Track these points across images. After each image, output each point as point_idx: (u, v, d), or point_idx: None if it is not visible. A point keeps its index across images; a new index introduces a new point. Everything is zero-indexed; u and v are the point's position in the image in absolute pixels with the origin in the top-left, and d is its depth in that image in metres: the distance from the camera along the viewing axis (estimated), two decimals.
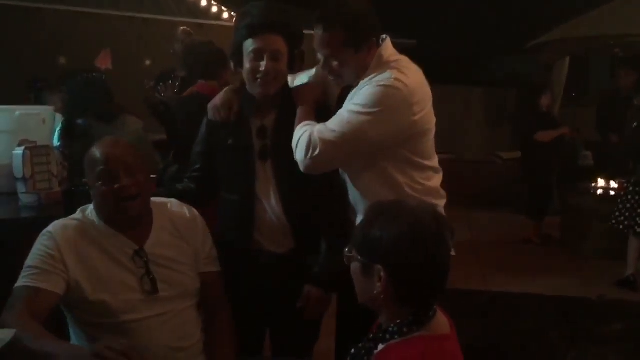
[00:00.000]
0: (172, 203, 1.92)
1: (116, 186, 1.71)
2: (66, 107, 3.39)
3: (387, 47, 1.94)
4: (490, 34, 6.86)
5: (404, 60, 1.93)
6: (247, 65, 1.92)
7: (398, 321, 1.37)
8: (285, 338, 2.11)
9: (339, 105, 1.94)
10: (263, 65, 1.89)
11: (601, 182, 5.28)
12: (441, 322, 1.41)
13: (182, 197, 2.02)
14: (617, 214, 4.34)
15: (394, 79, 1.81)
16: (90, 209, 1.81)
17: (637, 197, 4.27)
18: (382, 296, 1.34)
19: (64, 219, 1.80)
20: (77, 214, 1.81)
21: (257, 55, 1.90)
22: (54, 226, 1.74)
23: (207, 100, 2.12)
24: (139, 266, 1.74)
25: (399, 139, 1.87)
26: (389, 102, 1.81)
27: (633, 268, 4.36)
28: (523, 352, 3.11)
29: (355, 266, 1.40)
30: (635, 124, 4.27)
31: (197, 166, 2.12)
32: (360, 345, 1.45)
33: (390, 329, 1.37)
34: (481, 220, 6.13)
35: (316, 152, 1.81)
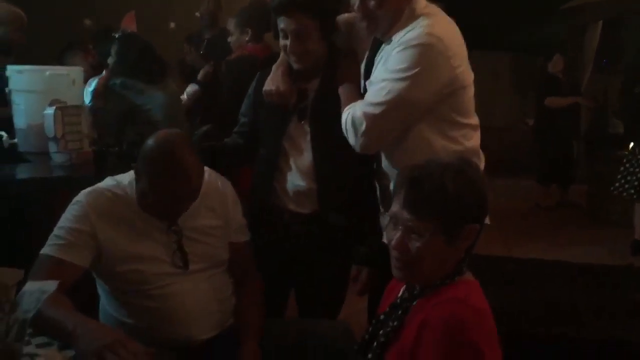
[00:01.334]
0: (208, 173, 1.86)
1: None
2: (116, 68, 3.36)
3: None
4: None
5: (437, 12, 1.85)
6: (280, 40, 1.96)
7: (442, 275, 1.37)
8: (312, 299, 2.13)
9: (369, 63, 1.91)
10: (289, 44, 1.92)
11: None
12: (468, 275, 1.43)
13: (230, 151, 2.10)
14: (622, 181, 4.34)
15: (426, 34, 1.74)
16: (127, 180, 1.77)
17: (638, 164, 4.26)
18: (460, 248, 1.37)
19: (97, 186, 1.76)
20: (111, 184, 1.77)
21: (284, 34, 1.92)
22: (86, 195, 1.71)
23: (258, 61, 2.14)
24: (171, 240, 1.75)
25: (443, 96, 1.80)
26: (426, 61, 1.73)
27: (637, 233, 4.36)
28: (550, 318, 3.11)
29: (434, 241, 1.34)
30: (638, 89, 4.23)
31: (245, 120, 2.16)
32: (398, 309, 1.43)
33: (433, 283, 1.37)
34: (506, 187, 6.09)
35: (362, 129, 1.76)
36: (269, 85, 2.01)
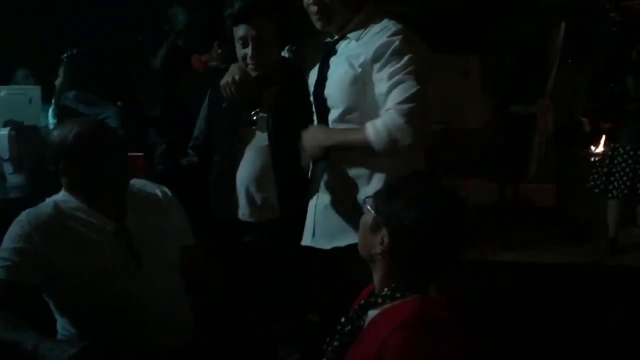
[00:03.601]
0: (139, 182, 1.91)
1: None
2: (65, 84, 3.34)
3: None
4: None
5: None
6: (237, 50, 1.98)
7: (393, 285, 1.37)
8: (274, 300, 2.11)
9: (326, 61, 1.89)
10: (249, 52, 1.93)
11: (599, 149, 5.25)
12: (432, 290, 1.42)
13: (187, 171, 2.11)
14: (596, 176, 4.39)
15: (397, 23, 1.78)
16: (60, 195, 1.77)
17: (614, 162, 4.30)
18: (379, 257, 1.38)
19: (38, 206, 1.75)
20: (52, 199, 1.77)
21: (244, 41, 1.93)
22: (26, 214, 1.70)
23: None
24: (121, 242, 1.73)
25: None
26: (413, 40, 1.77)
27: (612, 231, 4.40)
28: (522, 320, 3.13)
29: (366, 217, 1.42)
30: (612, 85, 4.29)
31: (199, 134, 2.17)
32: (351, 313, 1.45)
33: (384, 293, 1.38)
34: (478, 188, 6.12)
35: (409, 128, 1.67)
36: (226, 78, 2.02)
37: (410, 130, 1.66)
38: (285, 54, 2.20)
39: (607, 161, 4.39)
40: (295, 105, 1.97)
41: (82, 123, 1.76)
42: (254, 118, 2.01)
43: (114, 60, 3.60)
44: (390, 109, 1.69)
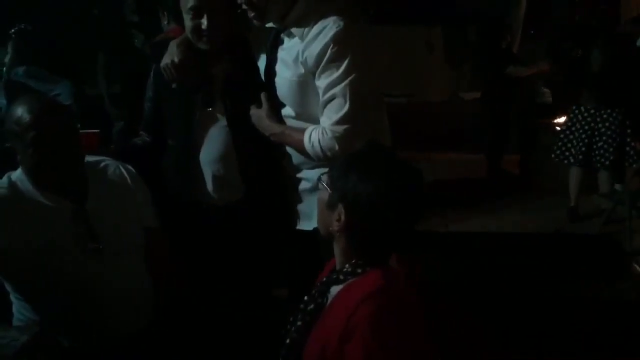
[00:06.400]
0: (105, 160, 1.85)
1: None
2: (15, 59, 3.22)
3: None
4: None
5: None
6: (188, 23, 1.85)
7: (353, 261, 1.36)
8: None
9: (273, 51, 1.85)
10: (204, 23, 1.81)
11: (560, 119, 5.31)
12: (393, 261, 1.42)
13: (141, 151, 2.01)
14: (560, 144, 4.45)
15: (337, 19, 1.72)
16: (19, 172, 1.70)
17: (574, 126, 4.38)
18: (337, 234, 1.37)
19: None
20: (4, 180, 1.71)
21: (196, 12, 1.81)
22: None
23: None
24: (78, 224, 1.67)
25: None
26: (352, 40, 1.72)
27: (573, 200, 4.49)
28: (486, 290, 3.17)
29: (322, 195, 1.41)
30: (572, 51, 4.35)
31: (148, 112, 2.07)
32: (313, 291, 1.43)
33: (345, 269, 1.36)
34: (443, 161, 6.16)
35: (337, 148, 1.76)
36: (165, 59, 1.92)
37: (340, 150, 1.77)
38: None
39: (567, 125, 4.47)
40: (249, 80, 1.91)
41: (32, 101, 1.67)
42: (204, 100, 1.92)
43: (65, 35, 3.45)
44: (324, 127, 1.77)
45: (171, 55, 1.90)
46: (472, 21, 7.07)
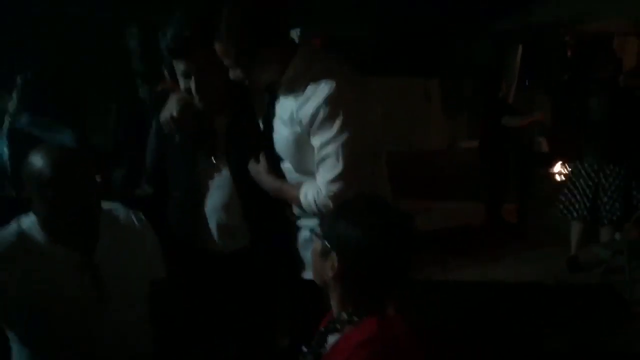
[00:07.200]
0: (117, 208, 1.84)
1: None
2: (20, 107, 3.25)
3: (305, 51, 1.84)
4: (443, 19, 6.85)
5: (334, 70, 1.82)
6: (181, 84, 1.88)
7: (350, 310, 1.38)
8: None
9: (270, 104, 1.88)
10: (192, 84, 1.83)
11: (557, 169, 5.36)
12: (390, 310, 1.42)
13: (140, 202, 1.97)
14: (562, 198, 4.45)
15: (329, 80, 1.75)
16: (29, 221, 1.70)
17: (577, 184, 4.38)
18: (332, 282, 1.39)
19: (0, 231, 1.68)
20: (13, 227, 1.70)
21: (186, 75, 1.84)
22: None
23: None
24: (85, 277, 1.67)
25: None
26: (344, 100, 1.74)
27: (573, 250, 4.49)
28: (486, 340, 3.13)
29: (316, 245, 1.44)
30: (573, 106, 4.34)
31: (151, 163, 2.09)
32: (313, 341, 1.44)
33: (341, 318, 1.39)
34: (442, 210, 6.17)
35: (331, 206, 1.76)
36: (165, 113, 1.94)
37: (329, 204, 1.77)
38: None
39: (571, 180, 4.46)
40: (250, 131, 1.93)
41: (53, 154, 1.64)
42: (207, 150, 1.94)
43: (68, 84, 3.50)
44: (319, 186, 1.79)
45: (170, 110, 1.93)
46: (468, 73, 7.23)
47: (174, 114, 1.90)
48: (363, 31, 6.41)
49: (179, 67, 1.84)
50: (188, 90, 1.86)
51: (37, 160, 1.60)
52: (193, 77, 1.82)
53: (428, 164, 6.62)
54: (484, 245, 5.15)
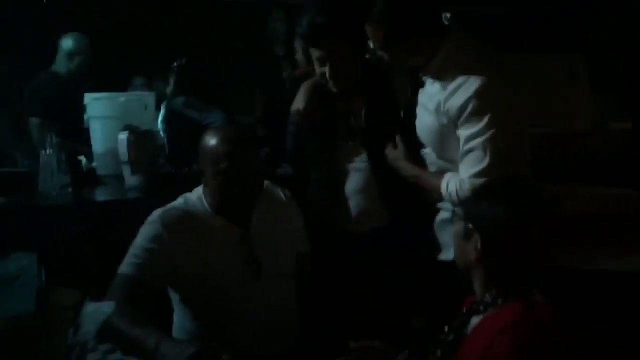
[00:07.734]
0: (268, 184, 1.94)
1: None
2: (175, 91, 3.53)
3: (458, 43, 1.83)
4: None
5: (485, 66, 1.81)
6: (316, 68, 1.95)
7: (493, 292, 1.37)
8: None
9: (414, 92, 1.88)
10: (327, 71, 1.87)
11: None
12: (538, 297, 1.39)
13: (282, 180, 2.13)
14: None
15: (475, 77, 1.73)
16: (196, 196, 1.84)
17: None
18: (475, 264, 1.40)
19: (168, 206, 1.86)
20: (180, 201, 1.86)
21: (321, 62, 1.89)
22: (159, 215, 1.80)
23: None
24: (243, 250, 1.77)
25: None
26: (494, 96, 1.73)
27: None
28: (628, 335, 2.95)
29: (457, 227, 1.44)
30: None
31: (290, 148, 2.20)
32: (454, 321, 1.44)
33: (485, 300, 1.36)
34: (588, 195, 5.81)
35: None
36: (294, 106, 2.01)
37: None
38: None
39: None
40: (389, 116, 1.95)
41: (228, 133, 1.79)
42: (346, 134, 1.97)
43: (217, 68, 3.73)
44: (462, 179, 1.77)
45: (297, 103, 2.00)
46: (620, 47, 6.70)
47: (302, 106, 1.94)
48: (504, 6, 6.15)
49: (315, 53, 1.89)
50: (323, 75, 1.91)
51: (213, 138, 1.75)
52: (328, 64, 1.86)
53: (574, 146, 6.25)
54: (634, 235, 4.79)
